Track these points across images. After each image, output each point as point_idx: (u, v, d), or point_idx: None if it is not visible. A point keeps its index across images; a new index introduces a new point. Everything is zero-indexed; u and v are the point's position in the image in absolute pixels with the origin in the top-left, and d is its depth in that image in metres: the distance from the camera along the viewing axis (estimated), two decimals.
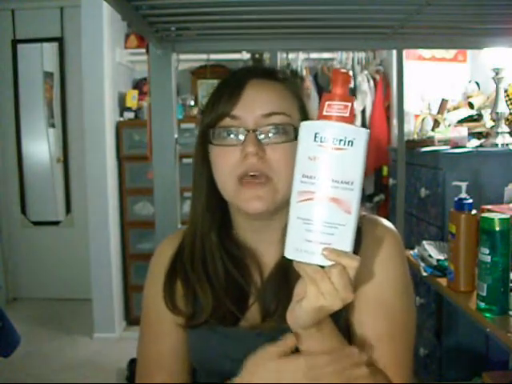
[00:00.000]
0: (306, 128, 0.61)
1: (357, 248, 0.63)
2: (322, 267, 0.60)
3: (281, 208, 0.77)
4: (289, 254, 0.62)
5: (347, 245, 0.60)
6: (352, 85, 3.19)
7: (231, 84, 0.80)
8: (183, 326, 0.83)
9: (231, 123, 0.77)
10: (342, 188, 0.59)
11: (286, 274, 0.76)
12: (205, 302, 0.80)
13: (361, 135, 0.59)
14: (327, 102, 0.60)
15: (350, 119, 0.60)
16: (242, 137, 0.76)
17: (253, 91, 0.78)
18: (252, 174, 0.75)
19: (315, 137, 0.60)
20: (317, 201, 0.60)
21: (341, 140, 0.59)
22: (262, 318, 0.79)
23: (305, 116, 0.80)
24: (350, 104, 0.60)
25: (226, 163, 0.76)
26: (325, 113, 0.60)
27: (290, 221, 0.62)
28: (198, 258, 0.83)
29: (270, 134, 0.76)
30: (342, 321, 0.76)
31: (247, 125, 0.76)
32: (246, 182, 0.75)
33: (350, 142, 0.59)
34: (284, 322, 0.69)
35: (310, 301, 0.62)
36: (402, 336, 0.78)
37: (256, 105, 0.77)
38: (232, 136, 0.77)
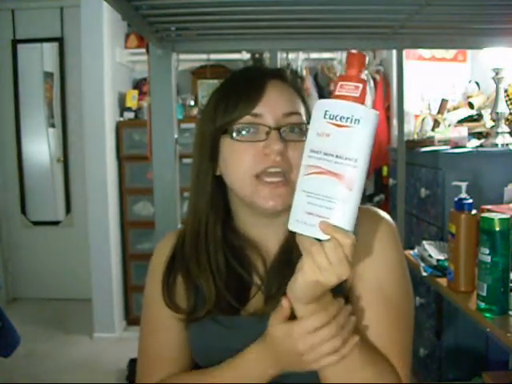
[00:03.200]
0: (318, 106, 0.64)
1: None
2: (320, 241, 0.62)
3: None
4: (291, 226, 0.64)
5: (346, 221, 0.61)
6: None
7: (248, 83, 0.81)
8: (183, 320, 0.84)
9: (252, 120, 0.78)
10: (345, 164, 0.61)
11: (289, 260, 0.77)
12: (208, 294, 0.81)
13: (368, 115, 0.61)
14: (340, 83, 0.63)
15: (361, 100, 0.62)
16: (263, 134, 0.77)
17: (272, 92, 0.79)
18: (272, 170, 0.76)
19: (325, 114, 0.62)
20: (320, 175, 0.62)
21: (348, 118, 0.61)
22: (265, 305, 0.80)
23: (309, 115, 0.82)
24: (361, 85, 0.62)
25: (245, 159, 0.77)
26: (337, 92, 0.63)
27: (296, 194, 0.64)
28: (201, 252, 0.83)
29: (291, 133, 0.78)
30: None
31: (269, 123, 0.77)
32: (266, 180, 0.76)
33: (357, 121, 0.61)
34: None
35: (305, 274, 0.63)
36: (402, 321, 0.80)
37: (277, 104, 0.79)
38: (253, 133, 0.78)
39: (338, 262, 0.61)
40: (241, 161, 0.78)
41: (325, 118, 0.62)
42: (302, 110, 0.82)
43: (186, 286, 0.84)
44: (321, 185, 0.62)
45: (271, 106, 0.78)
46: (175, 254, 0.87)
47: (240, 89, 0.80)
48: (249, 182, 0.77)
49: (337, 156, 0.61)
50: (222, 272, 0.82)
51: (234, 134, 0.78)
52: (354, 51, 0.65)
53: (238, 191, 0.80)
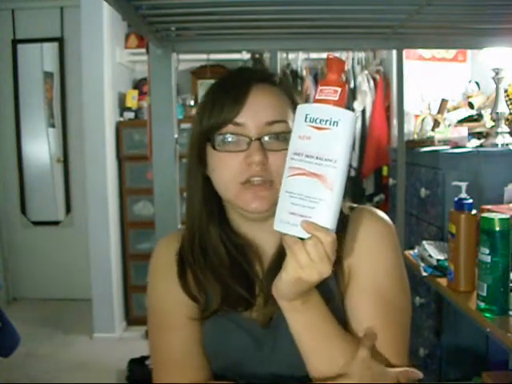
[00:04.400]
0: (300, 110, 0.67)
1: (341, 234, 0.65)
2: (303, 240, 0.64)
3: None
4: (276, 226, 0.67)
5: (327, 220, 0.64)
6: (352, 85, 3.19)
7: (233, 88, 0.79)
8: (197, 318, 0.83)
9: (234, 130, 0.77)
10: (325, 165, 0.64)
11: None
12: (213, 291, 0.81)
13: (346, 117, 0.64)
14: (320, 87, 0.66)
15: (340, 103, 0.65)
16: (244, 144, 0.77)
17: (256, 98, 0.78)
18: (254, 179, 0.76)
19: (305, 118, 0.66)
20: (302, 176, 0.65)
21: (327, 121, 0.64)
22: (264, 307, 0.80)
23: None
24: (339, 89, 0.65)
25: (229, 169, 0.77)
26: (317, 97, 0.66)
27: (280, 195, 0.67)
28: (197, 251, 0.84)
29: (273, 142, 0.77)
30: (335, 303, 0.77)
31: (251, 132, 0.77)
32: (249, 184, 0.77)
33: (335, 123, 0.64)
34: None
35: (288, 271, 0.66)
36: (399, 321, 0.80)
37: (260, 113, 0.77)
38: (235, 143, 0.78)
39: (319, 259, 0.63)
40: (224, 170, 0.78)
41: (305, 121, 0.65)
42: (289, 113, 0.80)
43: (195, 283, 0.84)
44: (303, 186, 0.64)
45: (254, 115, 0.77)
46: (182, 254, 0.87)
47: (225, 95, 0.79)
48: (234, 189, 0.78)
49: (317, 158, 0.64)
50: (225, 265, 0.82)
51: (217, 144, 0.78)
52: (331, 56, 0.67)
53: (223, 196, 0.81)
